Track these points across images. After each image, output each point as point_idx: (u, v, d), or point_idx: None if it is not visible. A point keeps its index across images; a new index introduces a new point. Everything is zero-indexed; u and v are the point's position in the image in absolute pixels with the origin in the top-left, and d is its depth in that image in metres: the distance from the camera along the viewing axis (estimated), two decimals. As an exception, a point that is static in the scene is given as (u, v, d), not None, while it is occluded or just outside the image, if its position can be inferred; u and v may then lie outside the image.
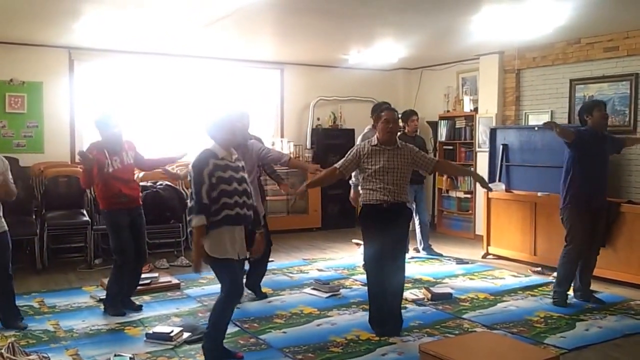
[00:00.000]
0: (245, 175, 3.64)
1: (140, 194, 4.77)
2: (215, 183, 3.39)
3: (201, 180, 3.37)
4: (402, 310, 4.31)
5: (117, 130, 4.47)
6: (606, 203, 5.07)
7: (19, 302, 4.40)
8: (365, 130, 5.92)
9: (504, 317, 4.53)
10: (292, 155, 4.93)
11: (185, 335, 3.99)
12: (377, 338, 4.05)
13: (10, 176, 4.11)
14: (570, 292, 4.96)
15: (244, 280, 4.96)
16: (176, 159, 5.02)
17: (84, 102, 7.35)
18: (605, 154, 4.95)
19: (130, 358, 3.48)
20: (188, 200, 3.55)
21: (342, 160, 4.27)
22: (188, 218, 3.53)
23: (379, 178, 4.09)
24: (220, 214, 3.39)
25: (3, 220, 4.13)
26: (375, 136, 4.26)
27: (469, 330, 4.25)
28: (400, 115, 6.31)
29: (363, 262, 5.97)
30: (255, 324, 4.35)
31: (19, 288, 5.19)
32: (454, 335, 4.10)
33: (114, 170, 4.42)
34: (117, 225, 4.48)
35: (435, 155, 8.75)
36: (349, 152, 4.29)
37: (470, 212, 8.24)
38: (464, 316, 4.57)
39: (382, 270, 4.13)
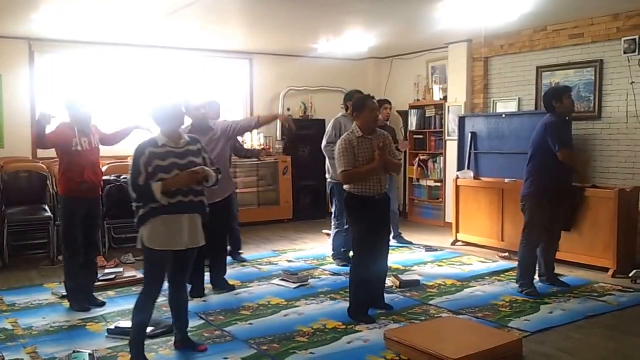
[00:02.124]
0: (198, 160, 3.45)
1: (102, 184, 4.61)
2: (152, 173, 3.26)
3: (137, 171, 3.26)
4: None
5: (86, 111, 4.38)
6: (571, 185, 5.10)
7: (-24, 301, 4.29)
8: (339, 116, 5.85)
9: (470, 302, 4.56)
10: (259, 119, 5.01)
11: (149, 329, 3.88)
12: (344, 326, 4.03)
13: None
14: (536, 277, 4.99)
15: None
16: (134, 127, 4.71)
17: (45, 95, 7.16)
18: (571, 140, 4.96)
19: (89, 354, 3.38)
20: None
21: (343, 161, 4.11)
22: (134, 207, 3.36)
23: None
24: (156, 202, 3.26)
25: None
26: (356, 126, 4.22)
27: (435, 316, 4.25)
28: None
29: (333, 253, 6.02)
30: (221, 317, 4.29)
31: (-22, 286, 5.08)
32: (419, 321, 4.10)
33: (81, 151, 4.29)
34: (70, 214, 4.35)
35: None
36: (340, 150, 4.13)
37: (440, 200, 8.28)
38: (431, 302, 4.58)
39: (371, 257, 4.23)
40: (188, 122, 4.61)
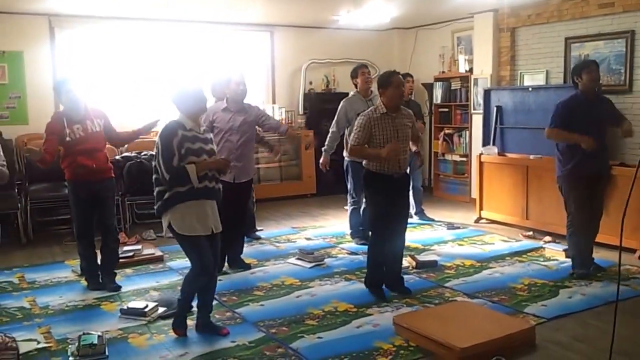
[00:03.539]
0: (215, 148, 3.59)
1: (108, 166, 4.50)
2: (184, 155, 3.30)
3: (171, 151, 3.28)
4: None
5: (72, 95, 4.24)
6: (607, 168, 4.86)
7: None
8: (351, 95, 5.75)
9: (487, 285, 4.45)
10: (285, 123, 5.17)
11: (160, 310, 3.93)
12: (355, 309, 3.99)
13: (3, 158, 3.67)
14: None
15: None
16: (150, 127, 4.63)
17: (67, 70, 7.17)
18: (601, 117, 4.61)
19: (98, 336, 3.41)
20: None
21: (356, 136, 4.14)
22: (156, 191, 3.40)
23: None
24: (185, 185, 3.32)
25: None
26: (381, 103, 4.16)
27: (450, 299, 4.17)
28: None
29: (350, 231, 5.95)
30: (234, 297, 4.30)
31: (2, 263, 5.20)
32: (432, 305, 4.03)
33: (74, 139, 4.23)
34: (74, 197, 4.38)
35: (430, 119, 8.60)
36: (358, 124, 4.15)
37: (466, 175, 8.10)
38: (447, 284, 4.49)
39: (388, 235, 4.21)
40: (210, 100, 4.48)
